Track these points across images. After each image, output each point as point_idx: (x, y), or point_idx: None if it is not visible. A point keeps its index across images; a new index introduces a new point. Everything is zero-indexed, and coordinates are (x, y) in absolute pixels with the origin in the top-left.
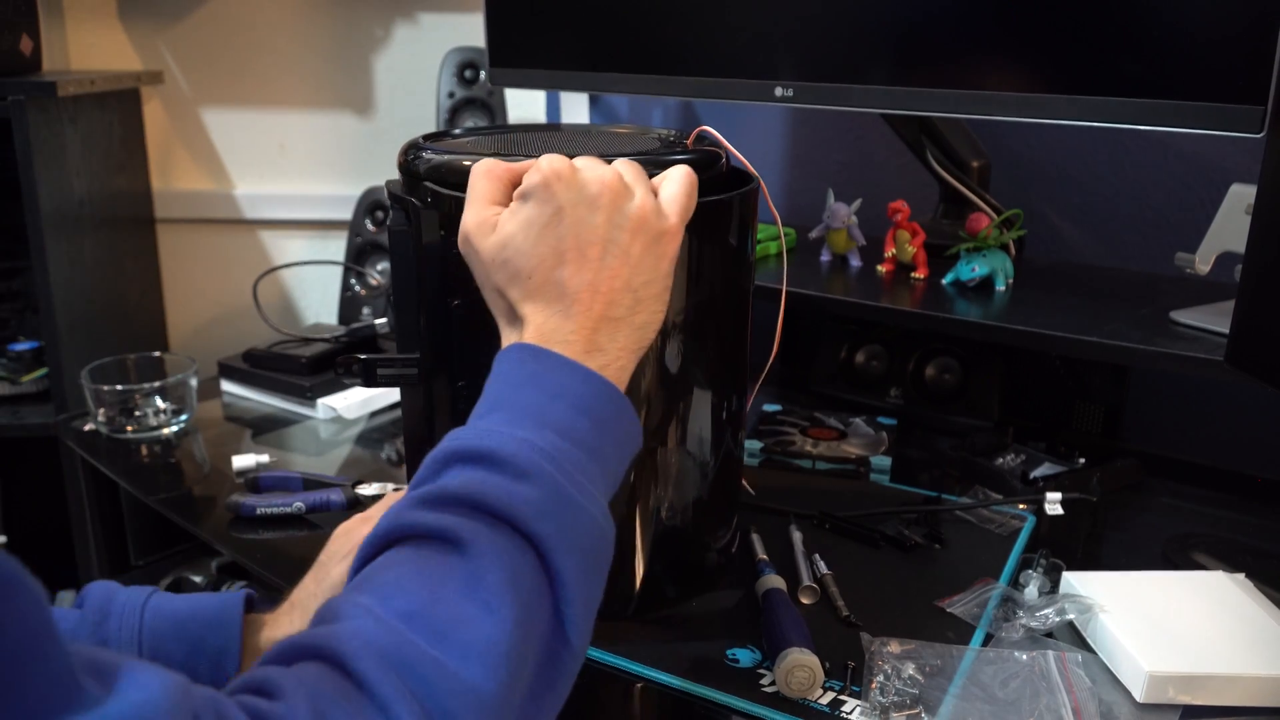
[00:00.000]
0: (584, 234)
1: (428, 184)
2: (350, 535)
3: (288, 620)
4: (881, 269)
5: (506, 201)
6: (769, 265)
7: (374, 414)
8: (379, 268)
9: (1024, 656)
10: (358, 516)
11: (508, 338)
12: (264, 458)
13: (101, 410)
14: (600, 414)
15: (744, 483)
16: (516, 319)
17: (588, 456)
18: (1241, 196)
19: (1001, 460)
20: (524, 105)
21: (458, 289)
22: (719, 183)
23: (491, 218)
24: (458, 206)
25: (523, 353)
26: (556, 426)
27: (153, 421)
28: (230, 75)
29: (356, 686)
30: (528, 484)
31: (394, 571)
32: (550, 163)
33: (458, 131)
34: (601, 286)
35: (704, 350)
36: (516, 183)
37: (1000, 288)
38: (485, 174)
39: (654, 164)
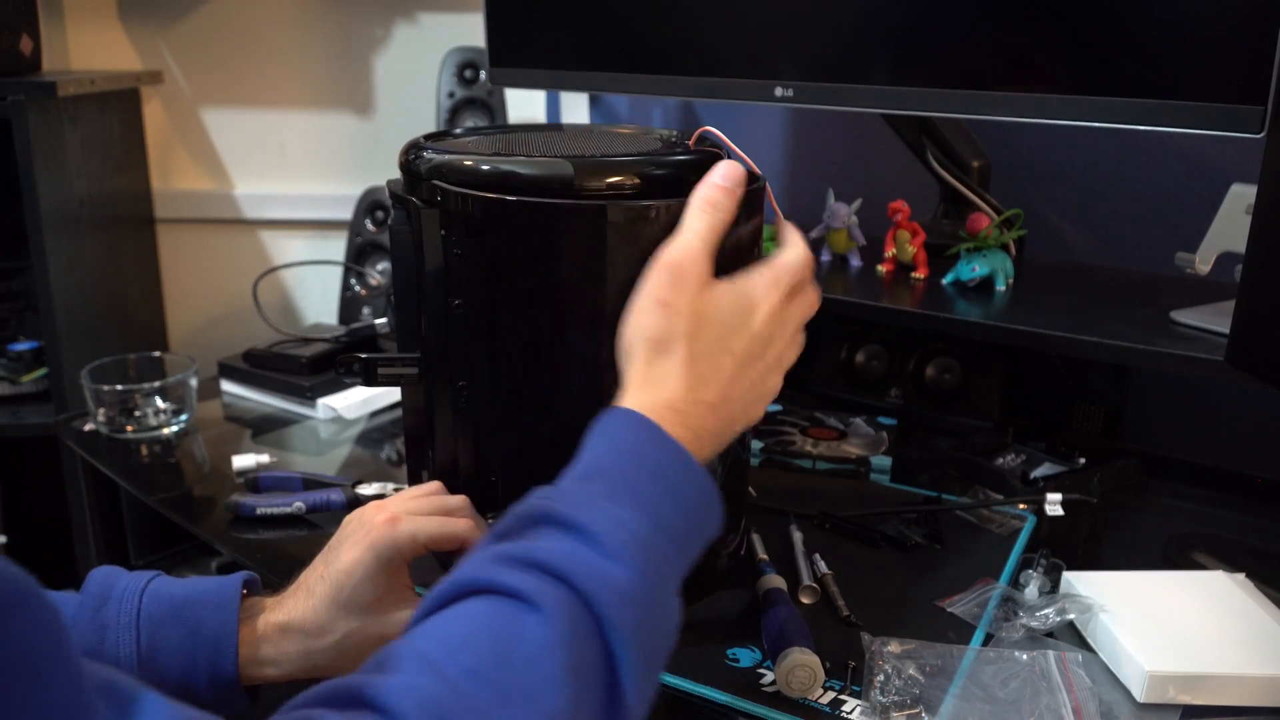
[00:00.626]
0: (755, 347)
1: (437, 183)
2: (363, 518)
3: (293, 603)
4: (881, 269)
5: (716, 242)
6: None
7: (374, 414)
8: (379, 268)
9: (1024, 656)
10: (373, 504)
11: (631, 390)
12: (264, 458)
13: (101, 410)
14: (693, 507)
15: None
16: (648, 374)
17: (676, 550)
18: (1241, 196)
19: (1001, 460)
20: (524, 105)
21: (458, 289)
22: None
23: (708, 266)
24: (460, 204)
25: (640, 425)
26: (654, 514)
27: (153, 421)
28: (230, 75)
29: None
30: (618, 567)
31: (465, 626)
32: (798, 269)
33: (458, 131)
34: (735, 398)
35: None
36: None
37: (1000, 288)
38: (724, 207)
39: (654, 164)
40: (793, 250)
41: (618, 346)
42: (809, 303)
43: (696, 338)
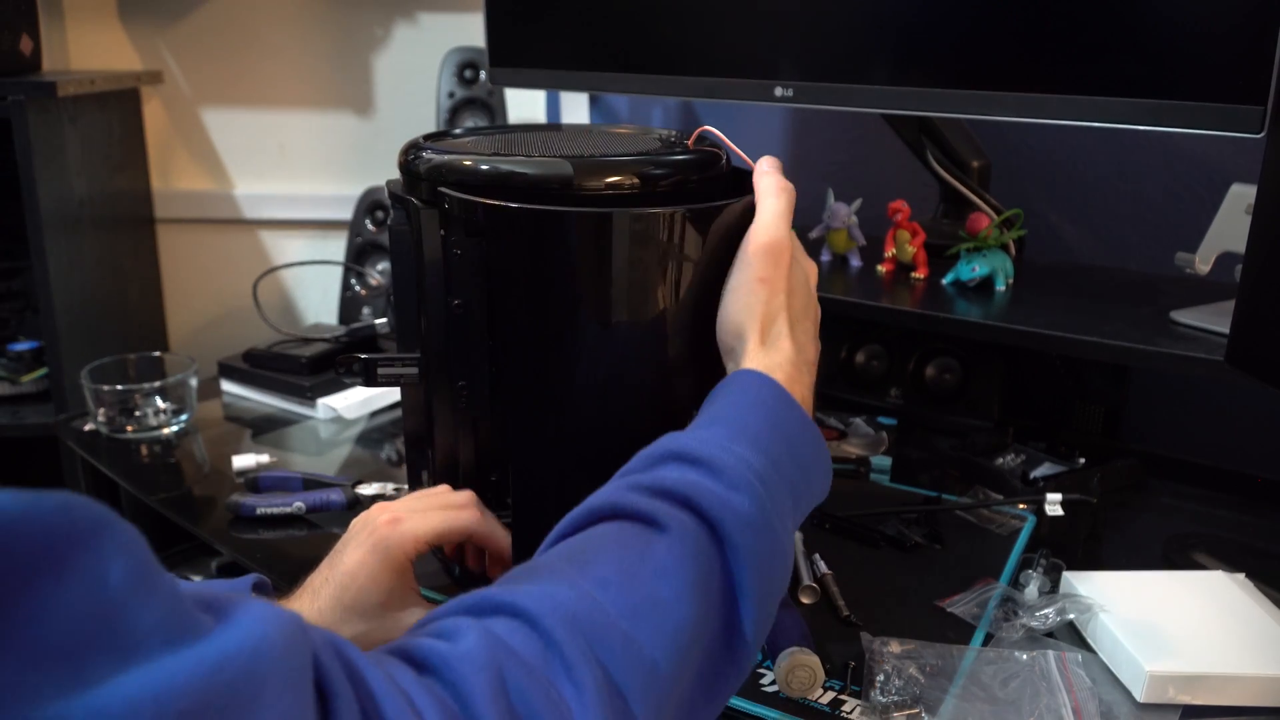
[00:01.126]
0: (817, 311)
1: (436, 184)
2: (367, 520)
3: (298, 606)
4: (881, 269)
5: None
6: None
7: (374, 414)
8: (379, 268)
9: (1024, 656)
10: (377, 505)
11: (749, 359)
12: (264, 458)
13: (101, 410)
14: (806, 458)
15: None
16: (763, 344)
17: (788, 493)
18: (1241, 196)
19: (1001, 460)
20: (524, 105)
21: (458, 289)
22: (719, 182)
23: (793, 250)
24: (459, 204)
25: (762, 382)
26: (771, 455)
27: (153, 421)
28: (230, 75)
29: (544, 644)
30: (739, 495)
31: (597, 542)
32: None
33: (458, 131)
34: (814, 357)
35: (709, 352)
36: None
37: (1000, 288)
38: (791, 190)
39: (654, 164)
40: (784, 223)
41: (720, 328)
42: None
43: (792, 308)
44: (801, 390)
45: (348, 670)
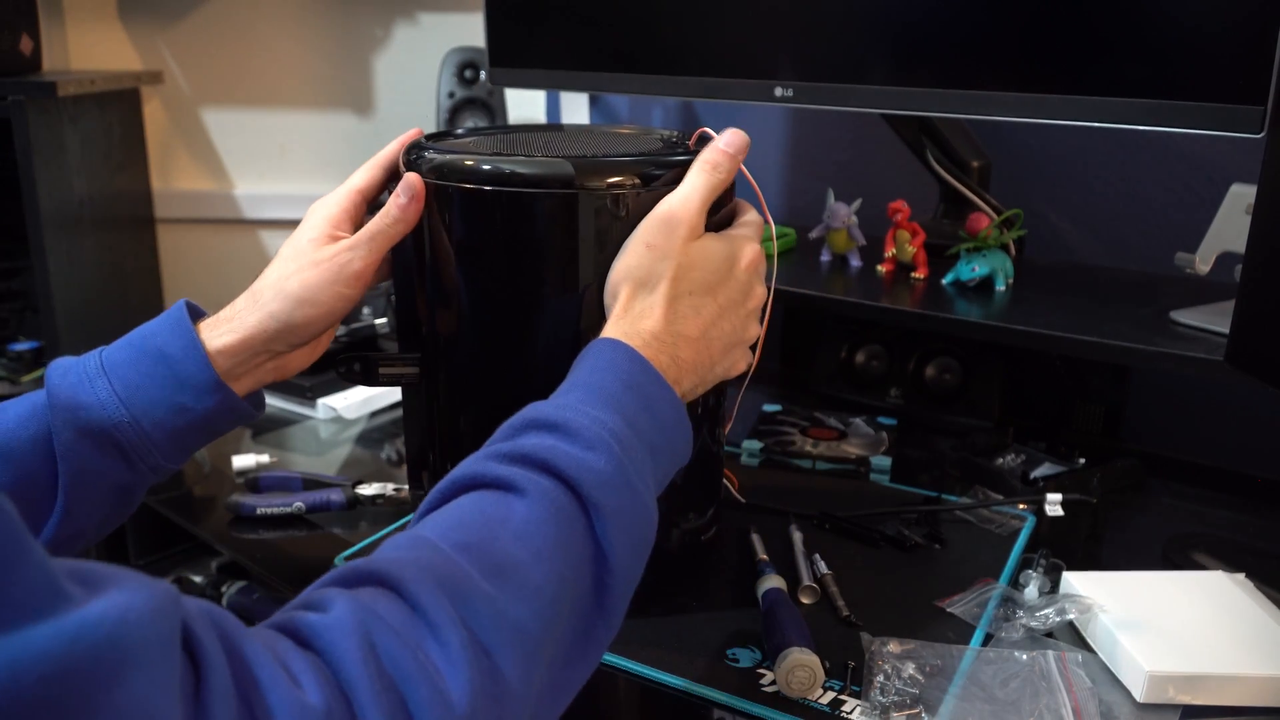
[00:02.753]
0: (736, 293)
1: (437, 182)
2: (314, 207)
3: (241, 313)
4: (881, 269)
5: (712, 199)
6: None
7: (374, 414)
8: None
9: (1024, 656)
10: (333, 192)
11: (613, 322)
12: (264, 458)
13: None
14: (664, 419)
15: (729, 481)
16: (630, 308)
17: (647, 452)
18: (1241, 196)
19: (1001, 460)
20: (524, 105)
21: (458, 288)
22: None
23: (701, 220)
24: (461, 202)
25: (616, 347)
26: (626, 415)
27: None
28: (230, 75)
29: (410, 608)
30: (594, 454)
31: (457, 511)
32: (757, 221)
33: (460, 131)
34: (715, 339)
35: None
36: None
37: (1000, 288)
38: (726, 169)
39: (654, 164)
40: (753, 212)
41: (605, 290)
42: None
43: (680, 279)
44: (664, 359)
45: (224, 641)
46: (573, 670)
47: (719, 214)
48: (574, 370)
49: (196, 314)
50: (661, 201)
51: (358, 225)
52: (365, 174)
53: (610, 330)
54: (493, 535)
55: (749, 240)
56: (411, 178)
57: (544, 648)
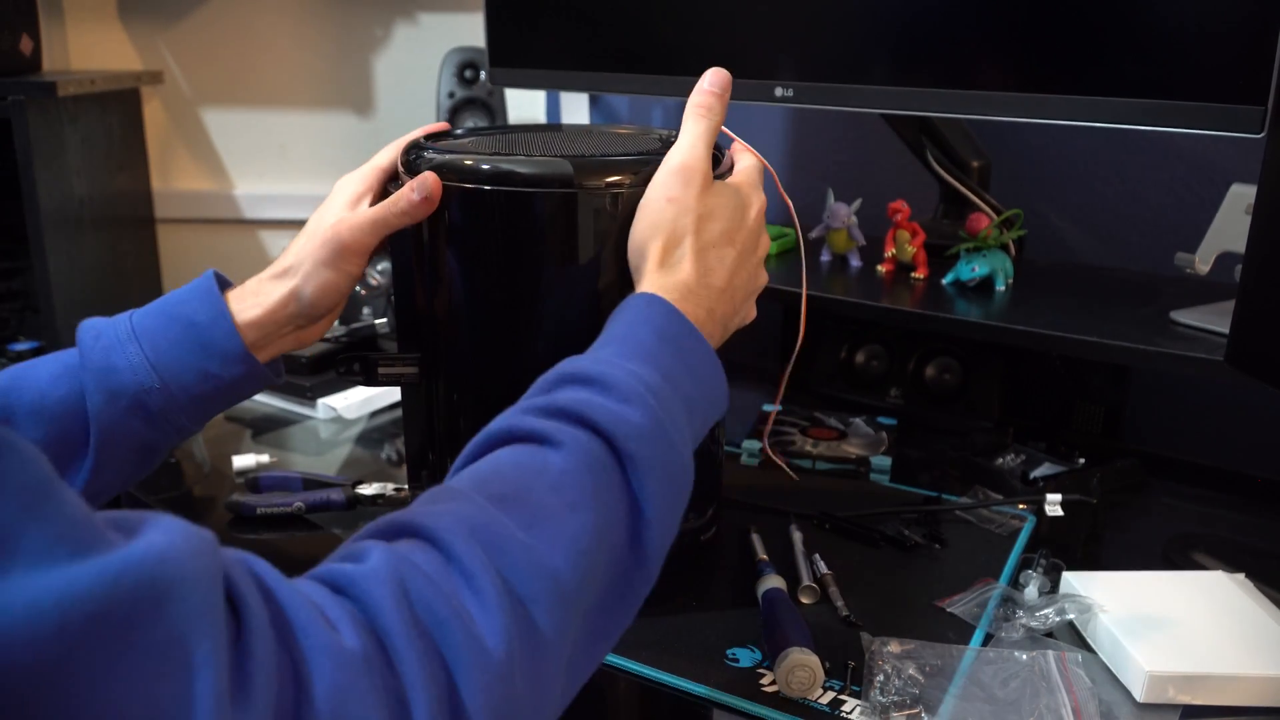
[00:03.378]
0: (750, 241)
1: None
2: (341, 182)
3: (268, 285)
4: (881, 269)
5: (713, 142)
6: (769, 264)
7: (374, 414)
8: (379, 268)
9: (1024, 656)
10: (358, 170)
11: (646, 278)
12: (264, 458)
13: None
14: (700, 372)
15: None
16: (662, 263)
17: (682, 405)
18: (1241, 196)
19: (1001, 460)
20: (524, 105)
21: (457, 288)
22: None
23: (709, 166)
24: (460, 201)
25: (651, 301)
26: (662, 369)
27: None
28: (230, 75)
29: (445, 558)
30: (630, 408)
31: (493, 464)
32: (757, 166)
33: (459, 132)
34: (738, 286)
35: None
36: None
37: (1000, 288)
38: (716, 111)
39: (653, 163)
40: (751, 156)
41: (629, 247)
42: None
43: (703, 230)
44: (700, 312)
45: (261, 588)
46: (609, 619)
47: (719, 168)
48: (610, 324)
49: (224, 283)
50: (670, 154)
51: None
52: (389, 153)
53: (646, 285)
54: (528, 486)
55: (754, 187)
56: (429, 177)
57: (579, 598)
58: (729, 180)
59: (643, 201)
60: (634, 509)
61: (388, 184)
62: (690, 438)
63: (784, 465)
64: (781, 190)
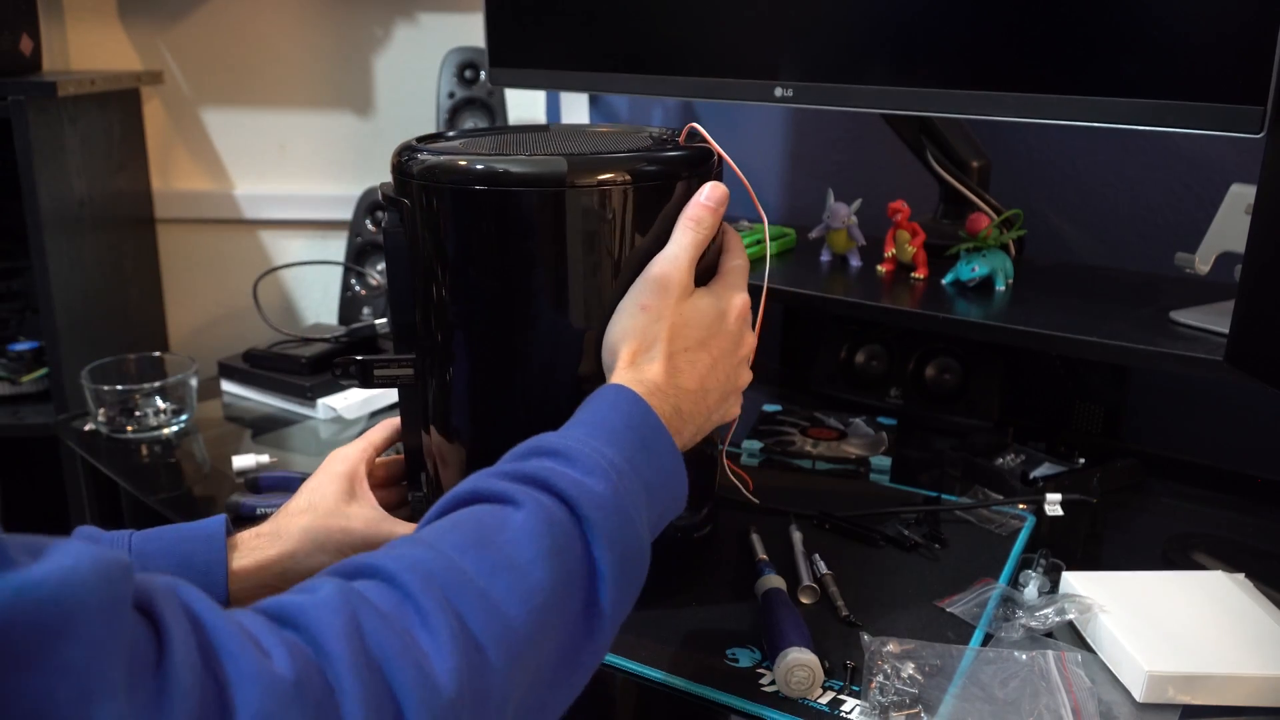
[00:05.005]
0: (727, 344)
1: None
2: (336, 456)
3: (265, 541)
4: (881, 269)
5: (699, 255)
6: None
7: (374, 414)
8: (379, 268)
9: (1024, 656)
10: (353, 444)
11: (615, 376)
12: (264, 458)
13: (101, 410)
14: (662, 462)
15: (742, 481)
16: (631, 364)
17: (643, 488)
18: (1241, 196)
19: (1001, 460)
20: (524, 105)
21: (451, 290)
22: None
23: (690, 278)
24: (451, 202)
25: (620, 391)
26: (625, 452)
27: (153, 421)
28: (230, 75)
29: (402, 596)
30: (593, 479)
31: (455, 519)
32: (743, 267)
33: (451, 134)
34: (712, 389)
35: None
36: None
37: (1000, 288)
38: (708, 224)
39: (646, 160)
40: (741, 255)
41: (603, 347)
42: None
43: (676, 338)
44: (665, 408)
45: (187, 613)
46: (555, 693)
47: (707, 254)
48: (580, 409)
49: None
50: (652, 262)
51: (370, 474)
52: (382, 432)
53: (616, 379)
54: (488, 539)
55: (736, 290)
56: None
57: (531, 654)
58: (712, 285)
59: (619, 306)
60: (590, 577)
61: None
62: (647, 522)
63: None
64: (753, 196)
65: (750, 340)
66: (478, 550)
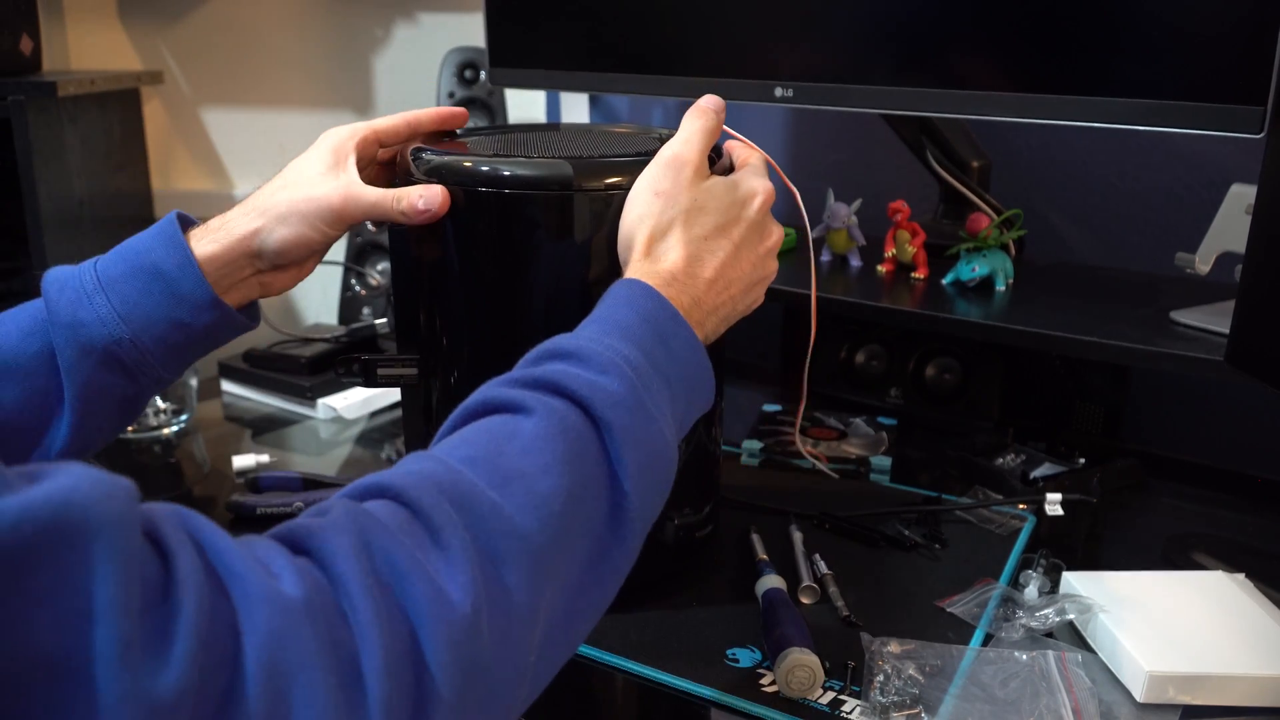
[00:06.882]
0: (750, 233)
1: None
2: (327, 134)
3: (234, 223)
4: (881, 269)
5: (710, 143)
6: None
7: (374, 414)
8: (379, 268)
9: (1024, 656)
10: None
11: (630, 267)
12: (264, 458)
13: None
14: (682, 355)
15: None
16: (646, 253)
17: (663, 383)
18: (1241, 196)
19: (1001, 460)
20: (524, 105)
21: (456, 288)
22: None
23: (704, 162)
24: (459, 203)
25: (633, 285)
26: (643, 347)
27: (153, 421)
28: (230, 75)
29: (411, 513)
30: (607, 378)
31: (466, 431)
32: (760, 159)
33: (458, 132)
34: (735, 279)
35: None
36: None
37: (1000, 288)
38: (715, 116)
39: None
40: (757, 153)
41: (618, 237)
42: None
43: (692, 223)
44: (684, 299)
45: (192, 538)
46: (587, 598)
47: (717, 165)
48: (594, 309)
49: (187, 223)
50: (663, 148)
51: (363, 165)
52: (389, 122)
53: (630, 274)
54: (499, 450)
55: (757, 176)
56: (438, 194)
57: (552, 563)
58: (729, 175)
59: (631, 193)
60: (612, 480)
61: (384, 158)
62: (672, 418)
63: (819, 459)
64: (787, 182)
65: (777, 232)
66: (488, 461)
